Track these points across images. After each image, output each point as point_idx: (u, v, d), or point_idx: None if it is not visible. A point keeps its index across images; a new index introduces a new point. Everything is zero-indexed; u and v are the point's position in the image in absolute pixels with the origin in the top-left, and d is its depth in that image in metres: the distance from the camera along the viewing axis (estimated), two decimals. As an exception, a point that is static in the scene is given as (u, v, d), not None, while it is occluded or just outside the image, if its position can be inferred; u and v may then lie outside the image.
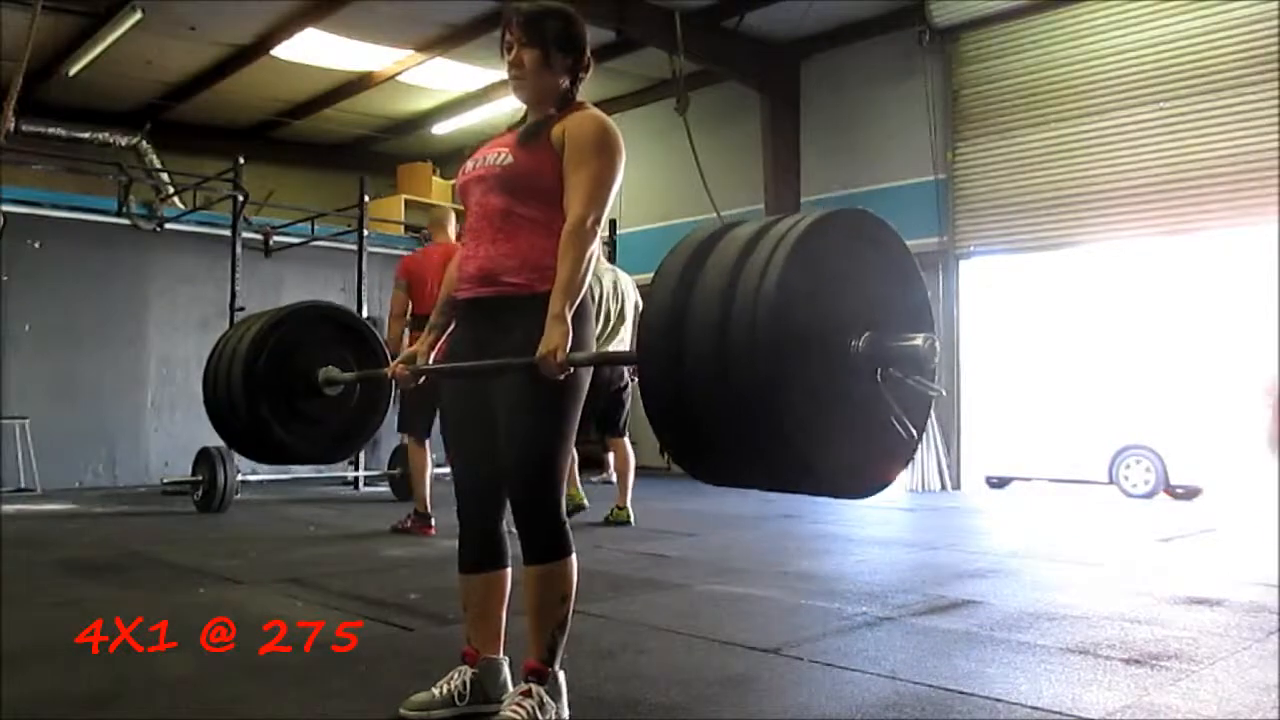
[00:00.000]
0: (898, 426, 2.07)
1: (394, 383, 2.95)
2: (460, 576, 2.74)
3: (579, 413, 2.60)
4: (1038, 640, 3.66)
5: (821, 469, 2.02)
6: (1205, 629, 3.90)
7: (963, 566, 5.47)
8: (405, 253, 12.36)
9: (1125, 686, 3.07)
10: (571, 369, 2.44)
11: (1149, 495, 9.63)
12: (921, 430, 2.23)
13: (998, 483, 10.92)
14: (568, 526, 2.58)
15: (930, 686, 3.04)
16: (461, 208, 2.79)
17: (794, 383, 1.91)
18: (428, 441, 6.69)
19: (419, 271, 6.62)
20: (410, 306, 6.55)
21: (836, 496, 2.27)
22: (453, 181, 16.57)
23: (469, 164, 2.71)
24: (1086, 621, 4.02)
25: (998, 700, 2.91)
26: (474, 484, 2.70)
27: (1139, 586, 4.86)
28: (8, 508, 7.96)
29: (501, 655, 2.74)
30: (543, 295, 2.48)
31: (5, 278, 8.80)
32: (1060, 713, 2.80)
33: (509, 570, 2.74)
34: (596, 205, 2.53)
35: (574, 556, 2.59)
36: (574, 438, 2.61)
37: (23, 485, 9.20)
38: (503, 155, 2.61)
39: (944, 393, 2.21)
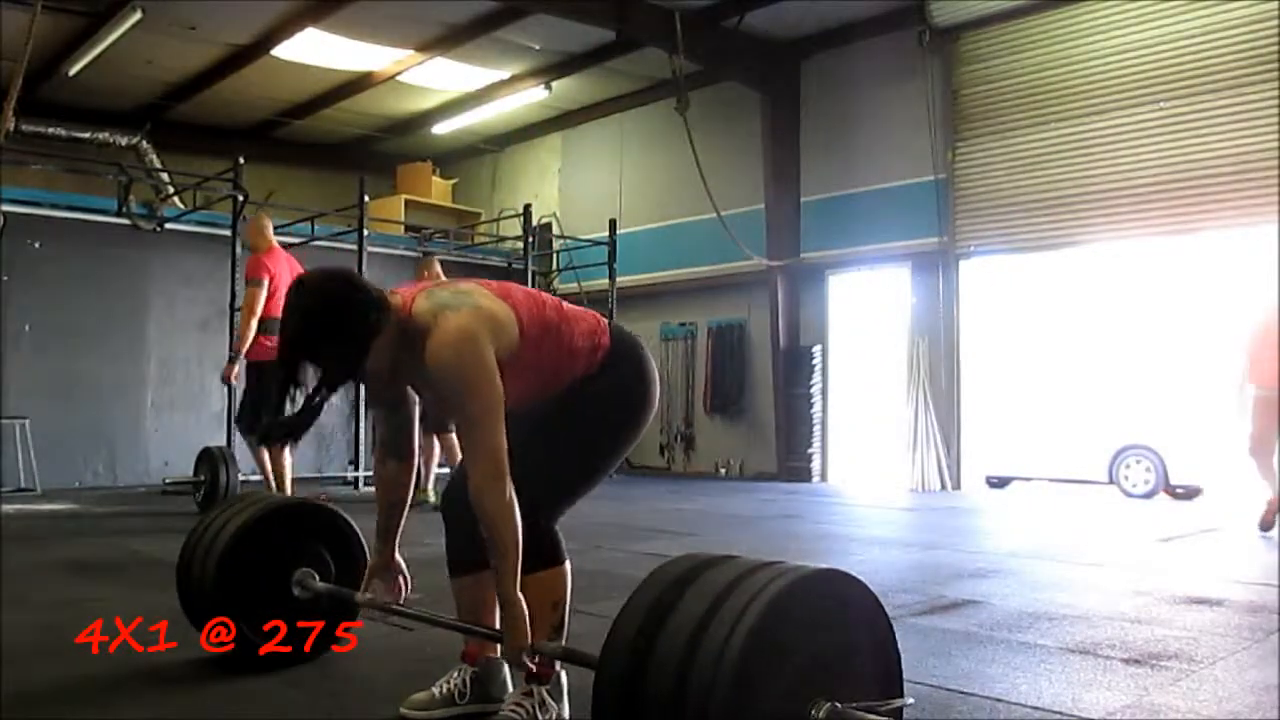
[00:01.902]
0: None
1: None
2: (452, 580, 2.73)
3: (607, 456, 2.64)
4: (1038, 640, 3.66)
5: None
6: (1205, 629, 3.90)
7: (963, 566, 5.47)
8: (407, 252, 12.42)
9: (1125, 686, 3.07)
10: (536, 658, 2.40)
11: (1149, 495, 9.63)
12: None
13: (998, 482, 10.92)
14: (559, 535, 2.57)
15: (930, 686, 3.04)
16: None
17: None
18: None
19: (279, 275, 6.83)
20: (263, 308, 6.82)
21: None
22: (453, 181, 16.51)
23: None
24: (1086, 621, 4.02)
25: (998, 700, 2.91)
26: (463, 484, 2.68)
27: (1139, 586, 4.85)
28: (8, 508, 7.96)
29: (501, 655, 2.72)
30: (574, 384, 2.54)
31: (5, 278, 8.81)
32: (1060, 713, 2.80)
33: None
34: (486, 453, 2.33)
35: (566, 565, 2.58)
36: (589, 466, 2.64)
37: (23, 485, 9.21)
38: None
39: None
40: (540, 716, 2.50)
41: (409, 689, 2.73)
